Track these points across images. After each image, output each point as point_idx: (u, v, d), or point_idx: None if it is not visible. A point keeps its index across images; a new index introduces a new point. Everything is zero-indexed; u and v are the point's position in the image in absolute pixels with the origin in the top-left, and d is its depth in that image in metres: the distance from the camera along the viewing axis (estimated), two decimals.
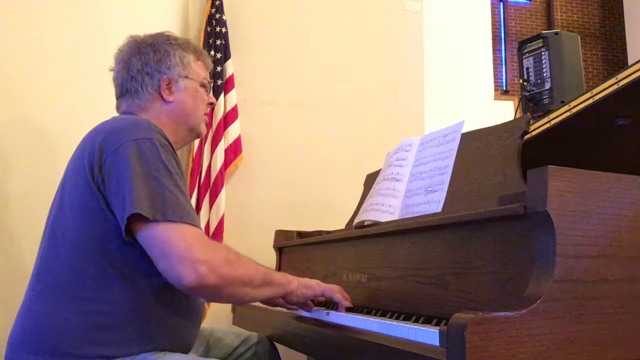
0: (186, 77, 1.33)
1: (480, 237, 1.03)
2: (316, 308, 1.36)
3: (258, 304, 1.55)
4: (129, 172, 1.07)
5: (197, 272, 1.03)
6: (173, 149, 1.19)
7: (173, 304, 1.17)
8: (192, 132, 1.38)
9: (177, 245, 1.04)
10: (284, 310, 1.50)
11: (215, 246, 1.12)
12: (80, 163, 1.14)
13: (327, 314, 1.29)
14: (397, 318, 1.15)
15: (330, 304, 1.39)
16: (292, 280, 1.27)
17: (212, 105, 1.46)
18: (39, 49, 1.70)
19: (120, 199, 1.07)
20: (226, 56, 2.61)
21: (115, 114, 1.34)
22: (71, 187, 1.16)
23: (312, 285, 1.30)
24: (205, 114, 1.40)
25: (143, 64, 1.30)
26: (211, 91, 1.45)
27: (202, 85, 1.38)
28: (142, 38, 1.35)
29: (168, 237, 1.05)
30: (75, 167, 1.16)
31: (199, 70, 1.38)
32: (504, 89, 7.72)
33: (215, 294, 1.12)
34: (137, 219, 1.05)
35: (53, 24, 1.76)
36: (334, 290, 1.31)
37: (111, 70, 1.35)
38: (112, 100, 1.36)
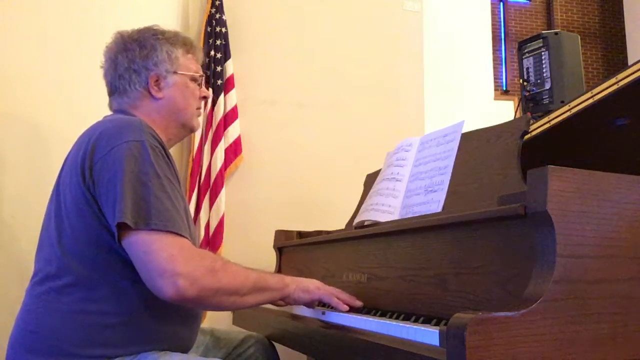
0: (175, 72, 1.31)
1: (480, 237, 1.03)
2: (315, 308, 1.35)
3: None
4: (117, 176, 1.07)
5: (176, 285, 1.02)
6: (165, 150, 1.17)
7: (172, 306, 1.16)
8: (184, 128, 1.35)
9: (158, 257, 1.03)
10: (283, 309, 1.49)
11: (199, 256, 1.10)
12: (74, 165, 1.14)
13: (323, 313, 1.29)
14: (397, 318, 1.15)
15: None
16: (289, 284, 1.25)
17: (205, 99, 1.43)
18: (34, 46, 1.70)
19: (110, 204, 1.06)
20: (226, 56, 2.60)
21: (108, 111, 1.34)
22: (66, 189, 1.15)
23: (310, 290, 1.27)
24: (198, 108, 1.37)
25: (130, 62, 1.28)
26: (204, 84, 1.41)
27: (193, 80, 1.35)
28: (128, 34, 1.32)
29: (150, 248, 1.04)
30: (70, 169, 1.16)
31: (189, 64, 1.34)
32: (504, 89, 7.73)
33: (198, 304, 1.12)
34: (123, 227, 1.04)
35: (50, 23, 1.76)
36: (332, 295, 1.28)
37: (102, 67, 1.33)
38: (106, 97, 1.36)
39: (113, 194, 1.06)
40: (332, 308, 1.32)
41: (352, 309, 1.27)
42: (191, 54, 1.36)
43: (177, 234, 1.07)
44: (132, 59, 1.28)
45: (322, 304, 1.34)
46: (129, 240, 1.05)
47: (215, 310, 1.52)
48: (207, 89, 2.32)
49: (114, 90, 1.31)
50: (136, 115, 1.27)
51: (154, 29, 1.34)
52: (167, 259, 1.03)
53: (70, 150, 1.21)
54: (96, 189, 1.09)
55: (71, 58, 1.81)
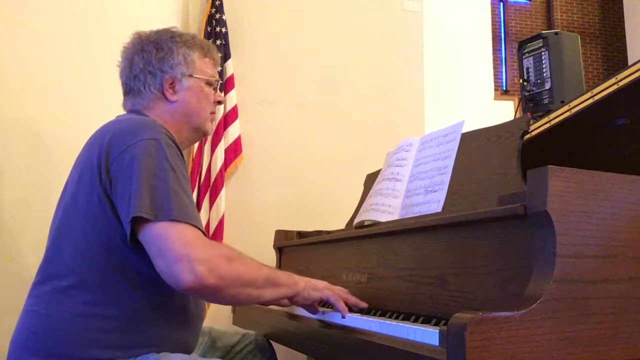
0: (190, 75, 1.30)
1: (480, 237, 1.03)
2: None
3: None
4: (134, 174, 1.07)
5: (195, 272, 1.00)
6: (180, 149, 1.18)
7: (175, 309, 1.16)
8: (197, 132, 1.35)
9: (175, 243, 1.02)
10: (282, 309, 1.49)
11: (216, 245, 1.10)
12: (87, 165, 1.14)
13: (323, 313, 1.29)
14: (397, 318, 1.15)
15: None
16: (298, 281, 1.22)
17: (219, 104, 1.42)
18: (36, 48, 1.70)
19: (126, 202, 1.06)
20: (226, 56, 2.60)
21: (119, 111, 1.34)
22: (78, 189, 1.15)
23: (319, 288, 1.24)
24: (212, 113, 1.37)
25: (145, 63, 1.28)
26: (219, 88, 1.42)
27: (209, 84, 1.34)
28: (146, 35, 1.32)
29: (167, 235, 1.03)
30: (83, 169, 1.15)
31: (205, 68, 1.34)
32: (504, 89, 7.72)
33: (215, 294, 1.08)
34: (140, 221, 1.04)
35: (50, 25, 1.76)
36: (339, 297, 1.25)
37: (118, 66, 1.33)
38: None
39: (129, 191, 1.06)
40: (333, 308, 1.32)
41: (352, 309, 1.27)
42: (208, 57, 1.35)
43: (195, 226, 1.07)
44: (148, 61, 1.28)
45: (323, 304, 1.34)
46: (146, 231, 1.04)
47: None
48: None
49: (129, 90, 1.31)
50: (149, 117, 1.27)
51: (172, 31, 1.33)
52: (184, 245, 1.02)
53: (82, 150, 1.21)
54: (112, 187, 1.09)
55: (70, 59, 1.81)
